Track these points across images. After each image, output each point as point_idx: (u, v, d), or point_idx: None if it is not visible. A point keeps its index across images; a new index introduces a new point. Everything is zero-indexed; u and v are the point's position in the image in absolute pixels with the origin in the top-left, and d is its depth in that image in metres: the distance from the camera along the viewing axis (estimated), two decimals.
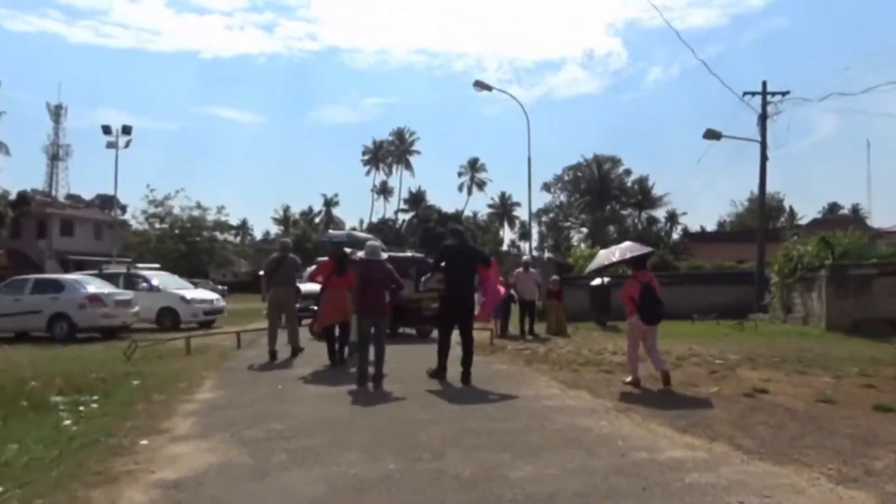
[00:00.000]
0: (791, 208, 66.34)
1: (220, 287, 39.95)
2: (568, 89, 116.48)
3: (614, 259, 8.33)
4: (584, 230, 71.91)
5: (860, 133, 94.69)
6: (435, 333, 8.96)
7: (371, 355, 7.88)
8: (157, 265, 21.39)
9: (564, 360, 10.24)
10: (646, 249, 8.67)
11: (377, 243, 8.56)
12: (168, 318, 17.49)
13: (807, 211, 66.80)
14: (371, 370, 7.77)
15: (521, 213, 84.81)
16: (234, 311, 22.71)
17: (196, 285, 23.26)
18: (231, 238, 50.55)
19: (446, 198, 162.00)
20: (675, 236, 64.17)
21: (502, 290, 8.67)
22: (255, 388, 7.82)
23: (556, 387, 7.83)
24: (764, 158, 18.69)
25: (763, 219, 19.81)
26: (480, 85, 23.69)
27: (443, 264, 8.24)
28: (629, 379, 7.72)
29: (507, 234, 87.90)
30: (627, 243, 8.86)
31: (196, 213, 41.18)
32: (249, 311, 23.23)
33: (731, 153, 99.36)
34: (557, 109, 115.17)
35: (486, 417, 5.99)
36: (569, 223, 74.75)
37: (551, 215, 74.66)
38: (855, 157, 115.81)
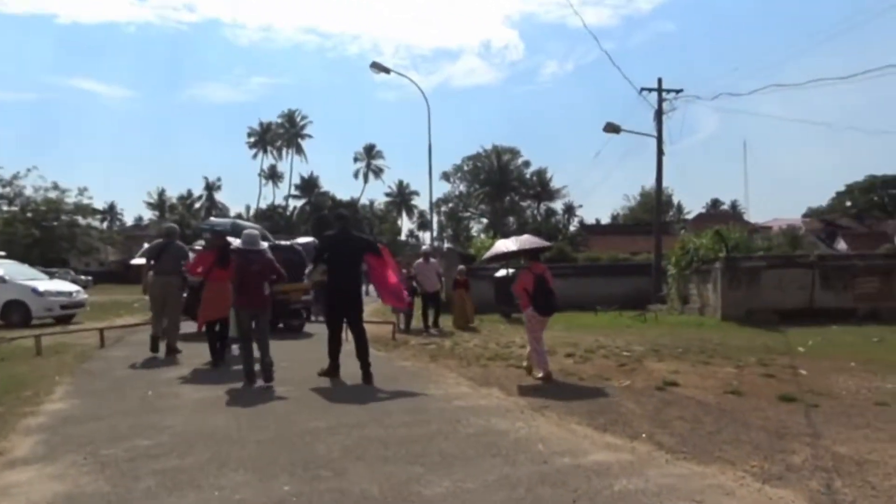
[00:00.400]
0: (679, 203, 71.28)
1: (82, 277, 36.64)
2: (466, 79, 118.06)
3: (512, 249, 8.45)
4: (484, 221, 73.16)
5: (741, 133, 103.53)
6: (314, 329, 8.42)
7: (255, 351, 7.55)
8: (2, 252, 18.93)
9: (472, 354, 10.03)
10: (543, 243, 8.86)
11: (255, 232, 8.10)
12: (16, 314, 15.48)
13: (693, 206, 72.12)
14: (257, 367, 7.44)
15: (420, 203, 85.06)
16: (98, 305, 20.69)
17: (52, 275, 20.99)
18: (95, 223, 46.43)
19: (341, 184, 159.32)
20: (572, 228, 66.83)
21: (393, 278, 8.21)
22: (120, 396, 6.91)
23: (465, 384, 7.54)
24: (660, 153, 19.66)
25: (659, 212, 20.83)
26: (378, 67, 22.98)
27: (325, 255, 7.87)
28: (541, 374, 7.68)
29: (406, 224, 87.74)
30: (526, 236, 8.99)
31: (52, 194, 37.34)
32: (117, 304, 21.25)
33: (626, 148, 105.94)
34: (455, 99, 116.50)
35: (391, 423, 5.54)
36: (468, 213, 75.74)
37: (451, 205, 75.25)
38: (736, 155, 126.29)
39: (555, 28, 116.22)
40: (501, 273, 17.04)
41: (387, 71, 23.38)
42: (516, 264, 14.69)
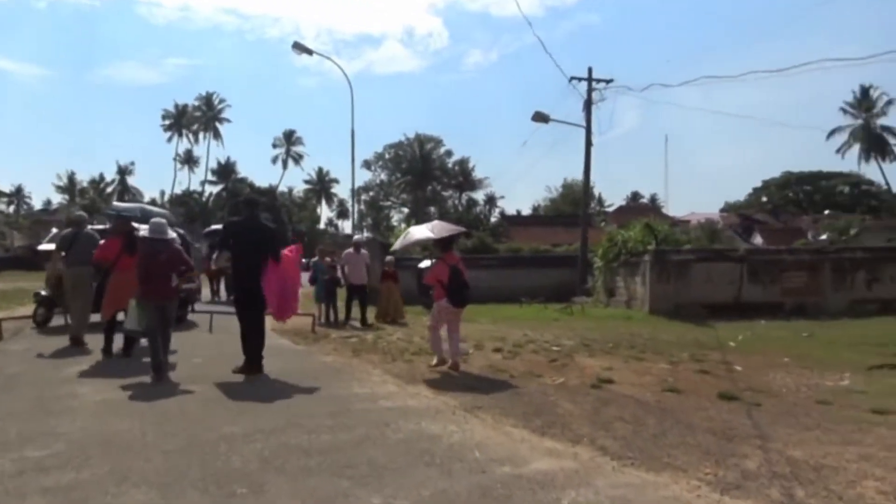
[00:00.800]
0: (600, 195, 73.36)
1: None
2: (388, 66, 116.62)
3: (427, 236, 8.33)
4: (405, 210, 72.62)
5: (664, 126, 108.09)
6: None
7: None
8: None
9: (396, 349, 9.62)
10: (458, 229, 8.92)
11: (163, 220, 7.69)
12: None
13: (613, 198, 74.26)
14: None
15: (339, 191, 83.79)
16: (1, 292, 18.93)
17: None
18: (1, 206, 43.01)
19: (259, 171, 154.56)
20: (493, 219, 67.45)
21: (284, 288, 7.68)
22: (9, 397, 6.13)
23: (391, 382, 7.12)
24: (589, 144, 19.86)
25: (587, 203, 21.08)
26: (300, 48, 22.00)
27: (230, 242, 7.58)
28: (434, 361, 7.77)
29: (325, 212, 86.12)
30: (440, 223, 9.04)
31: None
32: (20, 291, 19.35)
33: (552, 139, 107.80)
34: (377, 85, 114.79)
35: (314, 427, 5.03)
36: (389, 202, 75.02)
37: (371, 194, 74.29)
38: (658, 149, 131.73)
39: (479, 17, 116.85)
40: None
41: (309, 52, 22.46)
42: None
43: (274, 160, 79.82)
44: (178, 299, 7.79)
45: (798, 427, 5.24)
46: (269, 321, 7.94)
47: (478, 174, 72.18)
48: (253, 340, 7.36)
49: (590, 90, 19.73)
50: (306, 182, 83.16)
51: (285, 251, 7.69)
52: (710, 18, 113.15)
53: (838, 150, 53.75)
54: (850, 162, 54.25)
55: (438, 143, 72.68)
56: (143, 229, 7.90)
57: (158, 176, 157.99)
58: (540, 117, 19.51)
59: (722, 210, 66.77)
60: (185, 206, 65.39)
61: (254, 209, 7.74)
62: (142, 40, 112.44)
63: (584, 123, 20.08)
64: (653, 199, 75.09)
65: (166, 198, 72.24)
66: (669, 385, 6.85)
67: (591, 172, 20.11)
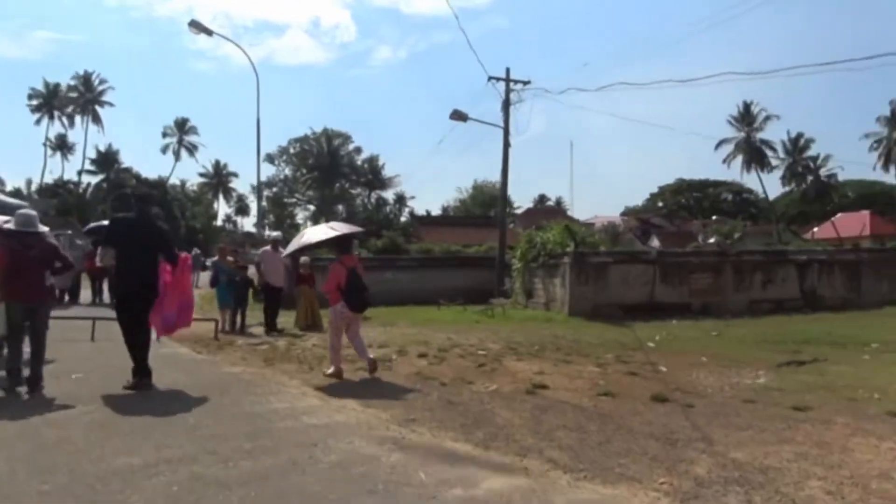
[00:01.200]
0: (508, 197, 74.81)
1: None
2: (292, 56, 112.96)
3: (323, 238, 8.06)
4: (311, 208, 70.89)
5: (567, 131, 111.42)
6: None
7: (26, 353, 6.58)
8: None
9: (312, 356, 9.10)
10: (356, 229, 8.85)
11: (33, 211, 6.97)
12: None
13: (521, 200, 76.03)
14: (26, 371, 6.45)
15: (239, 185, 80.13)
16: None
17: None
18: None
19: (147, 161, 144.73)
20: (403, 219, 67.24)
21: (174, 302, 7.17)
22: None
23: (313, 394, 6.64)
24: (506, 145, 19.96)
25: (504, 205, 21.22)
26: (197, 27, 20.59)
27: (115, 240, 6.95)
28: (331, 370, 7.49)
29: (223, 208, 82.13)
30: (337, 223, 8.93)
31: None
32: None
33: (463, 141, 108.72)
34: (281, 76, 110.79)
35: (229, 452, 4.49)
36: (294, 199, 72.92)
37: (275, 189, 71.86)
38: (565, 152, 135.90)
39: (388, 13, 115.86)
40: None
41: (209, 32, 21.07)
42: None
43: (164, 150, 74.40)
44: (54, 300, 7.12)
45: (732, 427, 5.29)
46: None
47: (388, 173, 71.57)
48: (139, 349, 6.75)
49: (507, 90, 19.85)
50: (201, 175, 78.50)
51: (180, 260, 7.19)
52: (615, 29, 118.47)
53: (724, 160, 57.71)
54: (735, 171, 58.44)
55: (347, 139, 71.40)
56: (4, 221, 7.02)
57: (25, 162, 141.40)
58: (458, 115, 19.42)
59: (622, 214, 70.01)
60: (58, 197, 59.64)
61: (146, 205, 7.18)
62: (5, 9, 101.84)
63: (501, 124, 20.16)
64: (558, 201, 77.52)
65: (34, 186, 65.73)
66: (602, 388, 6.81)
67: (508, 173, 20.22)
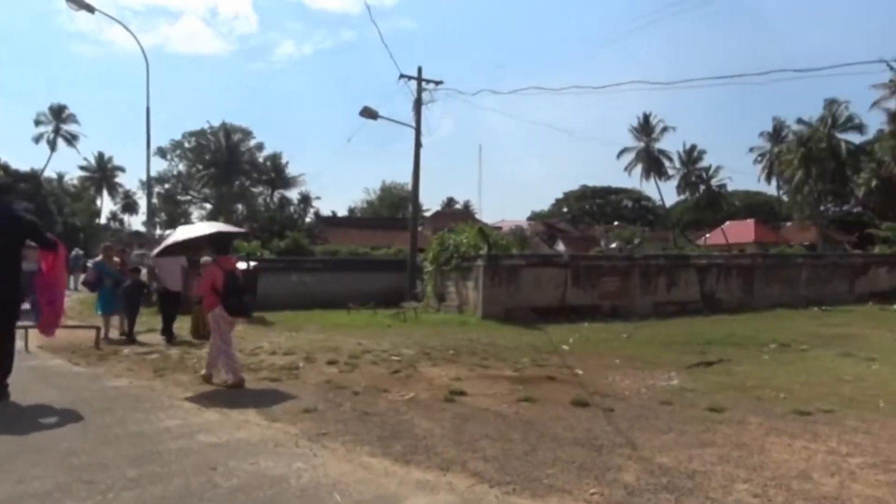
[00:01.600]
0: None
1: None
2: (188, 45, 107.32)
3: (196, 235, 7.75)
4: (208, 206, 67.72)
5: (476, 134, 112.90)
6: None
7: None
8: None
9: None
10: (234, 230, 8.71)
11: None
12: None
13: (430, 203, 76.34)
14: None
15: (125, 181, 75.30)
16: None
17: None
18: None
19: (17, 151, 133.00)
20: (308, 219, 65.67)
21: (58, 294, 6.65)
22: None
23: (211, 409, 6.10)
24: (418, 145, 19.78)
25: (416, 206, 20.97)
26: (77, 2, 18.88)
27: None
28: (231, 381, 7.11)
29: (107, 205, 76.81)
30: (212, 223, 8.93)
31: None
32: None
33: (370, 142, 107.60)
34: (174, 65, 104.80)
35: (111, 482, 3.94)
36: (189, 197, 69.41)
37: (167, 186, 68.06)
38: (474, 155, 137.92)
39: (293, 7, 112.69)
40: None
41: (90, 9, 19.38)
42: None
43: (37, 139, 68.55)
44: None
45: (654, 431, 5.30)
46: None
47: (292, 171, 69.54)
48: (3, 359, 6.09)
49: (419, 89, 19.65)
50: (83, 168, 72.92)
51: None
52: (526, 34, 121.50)
53: (626, 168, 60.50)
54: (636, 179, 61.41)
55: (248, 134, 68.57)
56: None
57: None
58: (368, 113, 19.00)
59: (529, 218, 71.80)
60: None
61: (3, 195, 6.67)
62: None
63: (412, 124, 19.93)
64: (467, 205, 78.41)
65: None
66: (522, 394, 6.69)
67: (420, 174, 20.00)
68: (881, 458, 4.51)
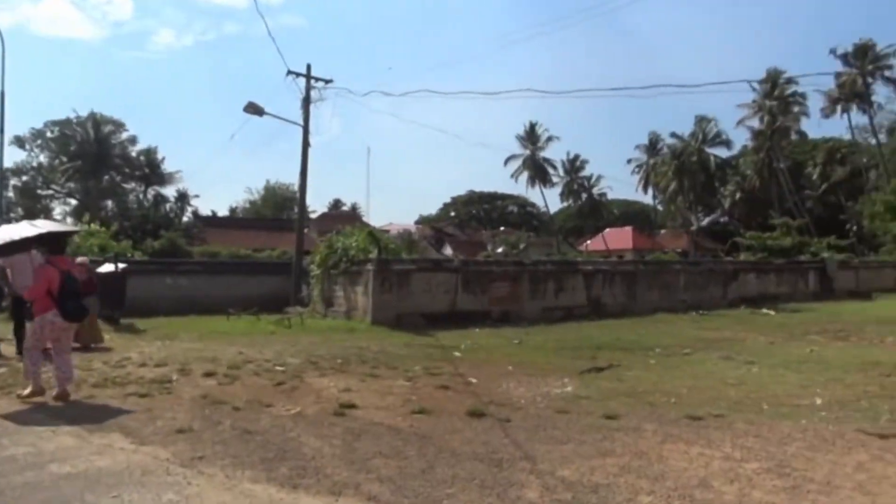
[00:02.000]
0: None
1: None
2: (52, 27, 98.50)
3: (27, 235, 7.12)
4: (72, 201, 62.46)
5: (366, 135, 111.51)
6: None
7: None
8: None
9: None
10: (68, 228, 8.38)
11: None
12: None
13: (316, 205, 74.49)
14: None
15: None
16: None
17: None
18: None
19: None
20: (186, 218, 62.16)
21: None
22: None
23: (66, 431, 5.42)
24: (306, 144, 19.02)
25: (303, 207, 20.16)
26: None
27: None
28: (27, 391, 6.68)
29: None
30: (44, 221, 8.25)
31: None
32: None
33: (257, 137, 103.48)
34: (37, 47, 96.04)
35: None
36: (51, 191, 63.70)
37: (25, 178, 62.17)
38: (360, 157, 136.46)
39: None
40: (107, 268, 14.05)
41: None
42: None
43: None
44: None
45: (553, 441, 5.24)
46: None
47: (168, 167, 65.54)
48: None
49: (308, 86, 18.95)
50: None
51: None
52: (417, 39, 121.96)
53: (513, 175, 62.24)
54: (522, 186, 63.35)
55: (119, 126, 63.86)
56: None
57: None
58: (253, 108, 18.05)
59: (417, 222, 72.02)
60: None
61: None
62: None
63: (300, 122, 19.19)
64: (354, 207, 77.39)
65: None
66: (416, 405, 6.47)
67: (308, 174, 19.27)
68: (774, 462, 4.67)
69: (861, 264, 29.27)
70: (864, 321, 15.22)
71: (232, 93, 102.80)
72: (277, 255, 25.29)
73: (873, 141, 52.51)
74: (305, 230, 40.67)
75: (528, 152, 61.47)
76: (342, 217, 55.07)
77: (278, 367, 8.69)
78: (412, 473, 4.43)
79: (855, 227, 48.07)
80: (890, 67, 48.67)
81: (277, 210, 63.77)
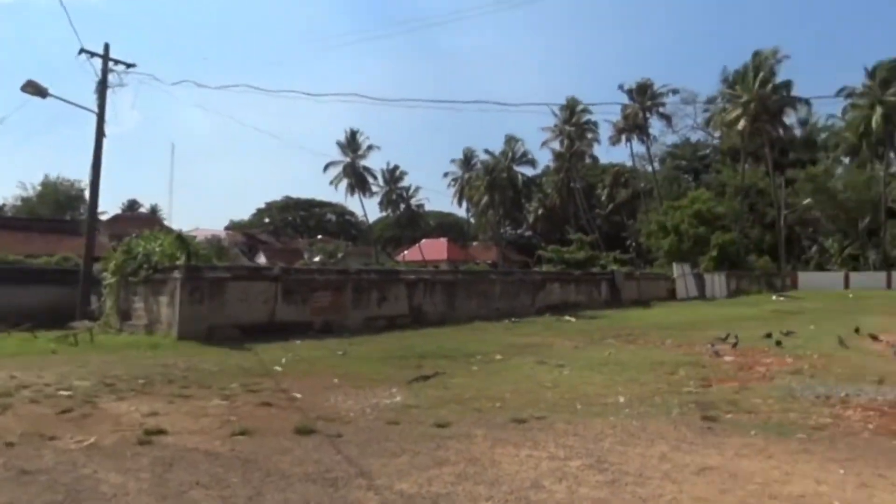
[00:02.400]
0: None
1: None
2: None
3: None
4: None
5: (171, 131, 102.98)
6: None
7: None
8: None
9: None
10: None
11: None
12: None
13: (106, 205, 67.42)
14: None
15: None
16: None
17: None
18: None
19: None
20: None
21: None
22: None
23: None
24: (101, 133, 16.89)
25: (94, 206, 17.89)
26: None
27: None
28: None
29: None
30: None
31: None
32: None
33: (35, 124, 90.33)
34: None
35: None
36: None
37: None
38: (162, 155, 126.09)
39: None
40: None
41: None
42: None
43: None
44: None
45: (387, 455, 5.10)
46: None
47: None
48: None
49: (105, 69, 16.89)
50: None
51: None
52: (238, 29, 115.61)
53: (332, 182, 61.64)
54: (341, 194, 62.92)
55: None
56: None
57: None
58: (34, 88, 15.67)
59: (227, 227, 68.28)
60: None
61: None
62: None
63: (94, 108, 17.11)
64: (154, 209, 71.26)
65: None
66: (236, 426, 5.95)
67: (101, 168, 17.17)
68: (594, 458, 4.95)
69: (641, 276, 33.19)
70: (647, 326, 17.09)
71: (4, 68, 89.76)
72: (57, 261, 22.23)
73: (650, 168, 60.42)
74: (96, 233, 36.63)
75: (348, 160, 61.24)
76: (139, 220, 50.48)
77: (63, 392, 7.54)
78: (237, 503, 4.02)
79: (634, 243, 54.69)
80: (664, 105, 56.42)
81: (58, 209, 56.52)
